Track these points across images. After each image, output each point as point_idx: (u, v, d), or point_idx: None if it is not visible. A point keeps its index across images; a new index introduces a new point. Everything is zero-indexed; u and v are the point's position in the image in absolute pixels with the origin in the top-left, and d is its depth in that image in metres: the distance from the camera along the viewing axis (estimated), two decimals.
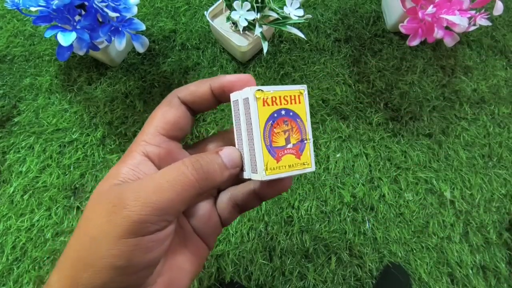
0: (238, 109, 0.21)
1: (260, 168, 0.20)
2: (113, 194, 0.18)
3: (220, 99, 0.22)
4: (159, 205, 0.17)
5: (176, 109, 0.21)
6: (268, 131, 0.20)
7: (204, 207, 0.23)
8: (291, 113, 0.21)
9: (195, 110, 0.22)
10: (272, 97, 0.21)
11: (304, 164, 0.22)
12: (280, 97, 0.21)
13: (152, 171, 0.20)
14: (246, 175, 0.21)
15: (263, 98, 0.20)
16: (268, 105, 0.20)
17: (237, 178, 0.22)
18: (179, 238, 0.22)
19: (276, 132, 0.21)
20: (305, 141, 0.22)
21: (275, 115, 0.21)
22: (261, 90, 0.20)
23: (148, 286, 0.19)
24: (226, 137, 0.24)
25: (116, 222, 0.17)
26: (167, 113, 0.21)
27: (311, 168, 0.22)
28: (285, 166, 0.21)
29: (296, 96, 0.22)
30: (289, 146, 0.21)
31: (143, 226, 0.17)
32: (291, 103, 0.21)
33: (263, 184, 0.23)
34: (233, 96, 0.21)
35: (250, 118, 0.20)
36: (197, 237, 0.23)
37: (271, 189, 0.23)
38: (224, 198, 0.24)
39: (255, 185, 0.23)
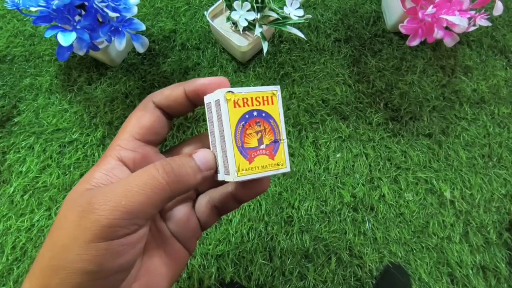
0: (211, 112, 0.21)
1: (232, 169, 0.20)
2: (84, 199, 0.18)
3: (195, 102, 0.22)
4: (129, 208, 0.17)
5: (151, 113, 0.21)
6: (239, 132, 0.20)
7: (182, 211, 0.23)
8: (263, 114, 0.21)
9: (171, 114, 0.22)
10: (243, 99, 0.20)
11: (278, 165, 0.22)
12: (251, 98, 0.21)
13: (126, 175, 0.20)
14: (220, 177, 0.21)
15: (234, 100, 0.20)
16: (240, 106, 0.20)
17: (215, 181, 0.22)
18: (156, 242, 0.22)
19: (248, 133, 0.21)
20: (279, 142, 0.22)
21: (247, 116, 0.21)
22: (232, 92, 0.20)
23: None
24: (204, 139, 0.24)
25: (85, 226, 0.17)
26: (142, 117, 0.21)
27: (286, 168, 0.22)
28: (258, 167, 0.21)
29: (269, 97, 0.22)
30: (262, 146, 0.21)
31: (113, 230, 0.17)
32: (263, 104, 0.21)
33: (239, 186, 0.23)
34: (206, 99, 0.21)
35: (222, 120, 0.20)
36: (175, 241, 0.23)
37: (248, 190, 0.23)
38: (203, 201, 0.24)
39: (232, 187, 0.23)
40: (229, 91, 0.20)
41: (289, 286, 0.62)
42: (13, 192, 0.65)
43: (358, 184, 0.69)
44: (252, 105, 0.21)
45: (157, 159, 0.22)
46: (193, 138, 0.25)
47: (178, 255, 0.23)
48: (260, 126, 0.21)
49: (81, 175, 0.67)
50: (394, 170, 0.71)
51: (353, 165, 0.71)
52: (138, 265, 0.20)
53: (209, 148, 0.22)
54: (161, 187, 0.18)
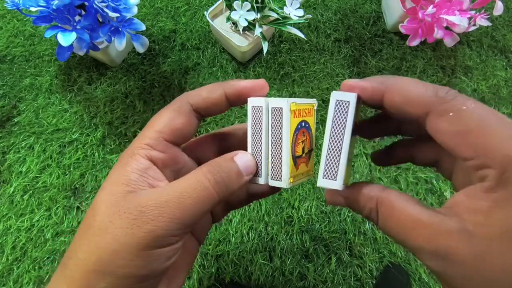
0: (261, 116, 0.21)
1: (286, 176, 0.20)
2: (132, 204, 0.18)
3: (234, 104, 0.22)
4: (184, 220, 0.18)
5: (185, 116, 0.21)
6: (293, 141, 0.21)
7: None
8: (307, 125, 0.22)
9: (204, 115, 0.22)
10: (299, 110, 0.21)
11: (310, 171, 0.23)
12: (302, 109, 0.22)
13: (160, 176, 0.20)
14: (261, 181, 0.21)
15: (294, 110, 0.20)
16: (296, 116, 0.21)
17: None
18: None
19: (298, 143, 0.21)
20: (312, 150, 0.23)
21: (299, 126, 0.21)
22: (295, 103, 0.20)
23: None
24: (228, 137, 0.24)
25: (139, 235, 0.17)
26: (176, 119, 0.21)
27: (313, 174, 0.23)
28: (300, 174, 0.22)
29: (311, 109, 0.23)
30: (303, 155, 0.22)
31: (167, 239, 0.17)
32: (307, 115, 0.22)
33: (265, 187, 0.23)
34: (252, 102, 0.21)
35: (281, 128, 0.20)
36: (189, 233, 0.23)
37: (268, 191, 0.24)
38: None
39: (249, 186, 0.24)
40: (293, 102, 0.20)
41: (289, 286, 0.62)
42: (13, 192, 0.65)
43: None
44: (302, 116, 0.22)
45: (183, 160, 0.22)
46: (210, 135, 0.25)
47: (191, 247, 0.23)
48: (304, 135, 0.22)
49: (81, 175, 0.67)
50: (394, 170, 0.71)
51: (353, 165, 0.71)
52: None
53: (231, 147, 0.23)
54: (212, 197, 0.18)
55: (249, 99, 0.21)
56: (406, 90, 0.17)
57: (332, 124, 0.19)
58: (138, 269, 0.17)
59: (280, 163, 0.20)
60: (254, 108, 0.21)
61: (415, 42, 0.65)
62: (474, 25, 0.61)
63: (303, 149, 0.22)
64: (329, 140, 0.20)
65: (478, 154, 0.15)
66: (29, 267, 0.60)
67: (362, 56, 0.81)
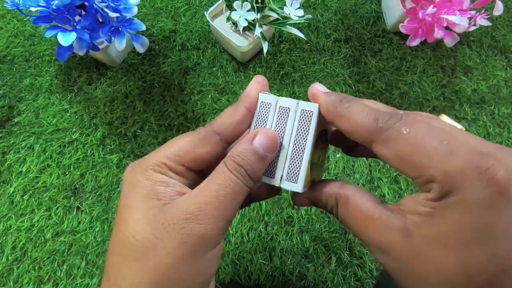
0: (268, 112, 0.21)
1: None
2: (174, 215, 0.18)
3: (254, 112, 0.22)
4: (227, 217, 0.18)
5: (212, 146, 0.20)
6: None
7: None
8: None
9: (232, 141, 0.22)
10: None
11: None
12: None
13: (182, 181, 0.20)
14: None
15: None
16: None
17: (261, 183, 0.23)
18: None
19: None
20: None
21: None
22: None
23: None
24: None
25: (192, 243, 0.17)
26: (200, 148, 0.20)
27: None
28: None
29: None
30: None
31: (215, 239, 0.18)
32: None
33: (263, 188, 0.24)
34: (262, 97, 0.21)
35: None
36: None
37: (266, 190, 0.24)
38: None
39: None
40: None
41: (289, 286, 0.62)
42: (13, 192, 0.65)
43: (358, 184, 0.69)
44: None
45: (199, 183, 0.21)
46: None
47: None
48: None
49: (81, 175, 0.67)
50: (394, 170, 0.71)
51: (353, 165, 0.71)
52: None
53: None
54: (243, 190, 0.19)
55: (260, 94, 0.22)
56: (352, 119, 0.19)
57: (296, 132, 0.20)
58: (195, 277, 0.17)
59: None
60: (263, 104, 0.21)
61: (415, 42, 0.65)
62: (474, 25, 0.61)
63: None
64: (293, 147, 0.20)
65: (421, 173, 0.17)
66: (29, 267, 0.60)
67: (362, 56, 0.80)
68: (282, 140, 0.21)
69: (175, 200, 0.18)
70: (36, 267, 0.61)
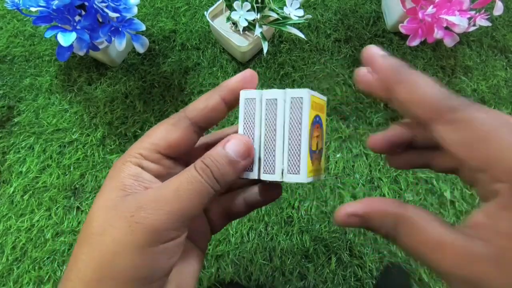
0: (254, 108, 0.21)
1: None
2: (130, 204, 0.17)
3: (232, 106, 0.21)
4: (182, 212, 0.17)
5: (183, 131, 0.20)
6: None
7: None
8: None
9: (205, 127, 0.21)
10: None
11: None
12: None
13: (154, 180, 0.20)
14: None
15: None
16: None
17: (228, 187, 0.22)
18: None
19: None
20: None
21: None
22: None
23: None
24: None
25: (139, 232, 0.17)
26: (172, 133, 0.20)
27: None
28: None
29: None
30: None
31: (167, 233, 0.17)
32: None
33: (258, 191, 0.23)
34: (244, 94, 0.21)
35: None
36: (189, 241, 0.23)
37: (264, 196, 0.23)
38: (214, 206, 0.24)
39: (245, 193, 0.23)
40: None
41: (289, 286, 0.62)
42: (13, 192, 0.65)
43: (358, 184, 0.69)
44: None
45: (178, 172, 0.21)
46: (206, 143, 0.24)
47: (196, 253, 0.23)
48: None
49: (81, 175, 0.67)
50: (394, 170, 0.71)
51: (353, 165, 0.71)
52: None
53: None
54: (207, 190, 0.18)
55: (241, 92, 0.21)
56: (418, 88, 0.16)
57: (290, 122, 0.19)
58: (139, 270, 0.17)
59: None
60: (247, 101, 0.21)
61: (415, 42, 0.65)
62: (474, 25, 0.61)
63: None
64: (288, 138, 0.20)
65: (489, 165, 0.14)
66: (29, 267, 0.60)
67: None
68: (275, 133, 0.20)
69: (138, 192, 0.18)
70: (36, 267, 0.61)
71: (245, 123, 0.21)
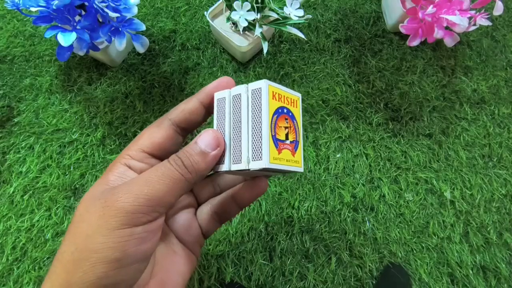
0: (224, 106, 0.22)
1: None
2: (105, 193, 0.19)
3: (211, 109, 0.23)
4: (151, 196, 0.18)
5: (164, 130, 0.22)
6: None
7: (184, 217, 0.24)
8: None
9: (187, 128, 0.23)
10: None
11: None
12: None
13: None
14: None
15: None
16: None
17: (218, 190, 0.23)
18: (166, 243, 0.23)
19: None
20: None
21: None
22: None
23: (141, 287, 0.20)
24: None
25: (109, 214, 0.17)
26: (155, 133, 0.22)
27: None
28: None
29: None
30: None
31: (137, 216, 0.18)
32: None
33: (242, 187, 0.24)
34: (217, 95, 0.23)
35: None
36: (181, 244, 0.24)
37: (249, 191, 0.24)
38: (204, 209, 0.25)
39: (233, 191, 0.25)
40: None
41: (289, 286, 0.62)
42: (13, 192, 0.65)
43: (358, 184, 0.69)
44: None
45: None
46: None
47: (188, 255, 0.24)
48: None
49: (81, 175, 0.67)
50: (394, 170, 0.71)
51: (353, 165, 0.71)
52: (152, 262, 0.21)
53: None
54: (178, 178, 0.19)
55: (214, 94, 0.23)
56: None
57: (252, 112, 0.21)
58: (111, 251, 0.17)
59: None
60: (219, 101, 0.22)
61: (415, 42, 0.65)
62: (474, 25, 0.61)
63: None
64: (252, 128, 0.21)
65: None
66: (29, 267, 0.60)
67: (362, 56, 0.80)
68: (241, 124, 0.21)
69: (118, 185, 0.20)
70: (36, 267, 0.61)
71: (217, 121, 0.23)
